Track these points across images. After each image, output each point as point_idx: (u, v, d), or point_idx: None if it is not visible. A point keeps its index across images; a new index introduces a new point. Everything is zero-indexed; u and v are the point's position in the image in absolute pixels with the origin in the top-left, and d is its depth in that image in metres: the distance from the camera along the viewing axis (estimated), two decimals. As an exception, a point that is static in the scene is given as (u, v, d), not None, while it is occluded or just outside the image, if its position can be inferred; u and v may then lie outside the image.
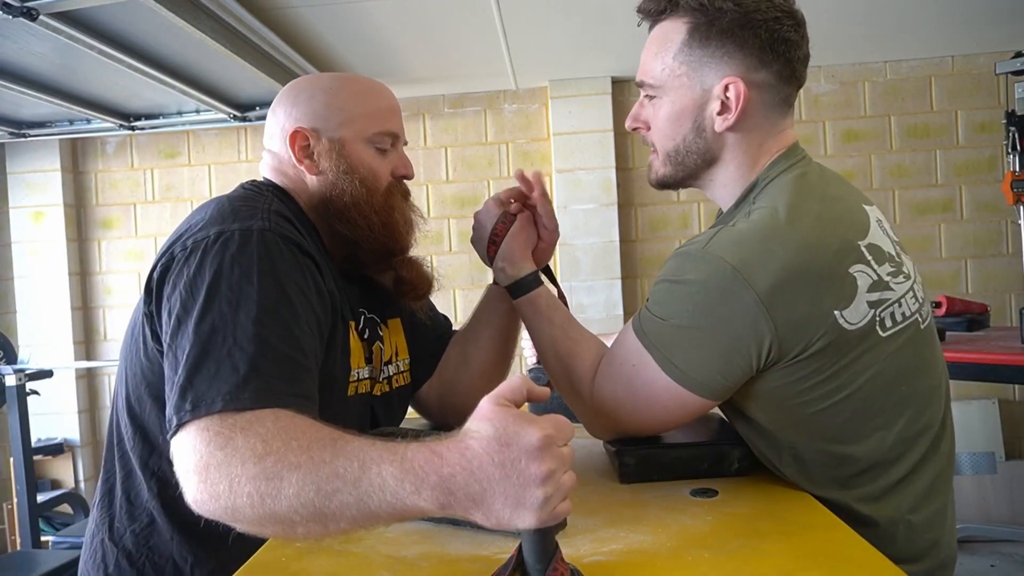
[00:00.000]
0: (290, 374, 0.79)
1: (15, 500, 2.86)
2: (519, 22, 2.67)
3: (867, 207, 0.99)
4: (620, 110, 3.49)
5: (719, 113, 0.96)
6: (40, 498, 2.93)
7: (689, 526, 0.82)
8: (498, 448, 0.62)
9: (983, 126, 3.40)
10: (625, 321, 3.38)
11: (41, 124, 3.23)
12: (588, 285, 3.45)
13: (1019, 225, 2.91)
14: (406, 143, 1.11)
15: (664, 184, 1.06)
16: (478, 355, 1.22)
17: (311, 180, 1.02)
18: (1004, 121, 2.84)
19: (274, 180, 1.05)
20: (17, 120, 3.18)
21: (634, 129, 1.06)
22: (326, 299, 0.93)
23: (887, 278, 0.92)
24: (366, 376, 1.05)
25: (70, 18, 2.02)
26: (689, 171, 1.02)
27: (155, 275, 0.87)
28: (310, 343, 0.85)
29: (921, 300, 0.99)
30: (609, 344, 1.06)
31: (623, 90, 3.51)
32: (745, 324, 0.87)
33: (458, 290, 3.58)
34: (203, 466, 0.70)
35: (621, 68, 3.35)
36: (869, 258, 0.91)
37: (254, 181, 1.06)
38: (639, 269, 3.55)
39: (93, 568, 0.96)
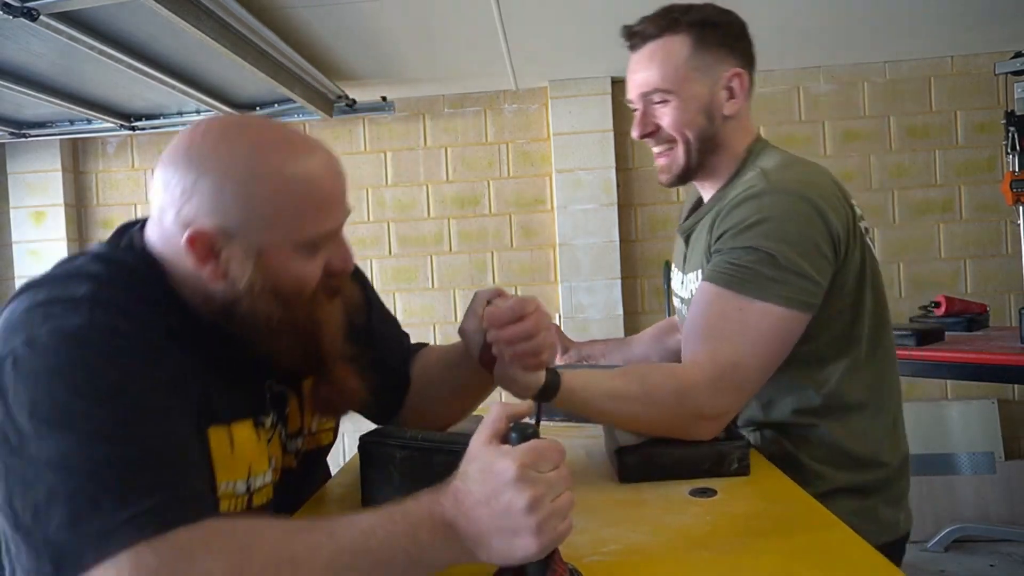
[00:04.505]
0: (169, 479, 0.66)
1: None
2: (519, 22, 2.67)
3: None
4: (620, 110, 3.49)
5: (727, 99, 1.16)
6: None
7: (688, 526, 0.83)
8: (481, 486, 0.63)
9: (982, 126, 3.40)
10: (626, 321, 3.40)
11: (41, 124, 3.23)
12: (588, 285, 3.45)
13: (1018, 225, 2.91)
14: (352, 209, 0.86)
15: (683, 176, 1.20)
16: (447, 409, 1.14)
17: (213, 283, 0.79)
18: (1003, 121, 2.84)
19: (158, 251, 0.81)
20: (18, 120, 3.18)
21: (645, 135, 1.20)
22: (188, 391, 0.77)
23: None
24: (263, 483, 0.87)
25: (70, 18, 2.01)
26: (704, 157, 1.18)
27: None
28: (182, 436, 0.71)
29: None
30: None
31: (623, 90, 3.49)
32: (823, 233, 1.05)
33: (458, 290, 3.58)
34: None
35: (621, 68, 3.31)
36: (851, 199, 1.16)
37: (96, 250, 0.83)
38: (639, 269, 3.55)
39: None
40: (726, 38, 1.17)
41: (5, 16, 1.79)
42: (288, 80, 2.79)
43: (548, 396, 0.98)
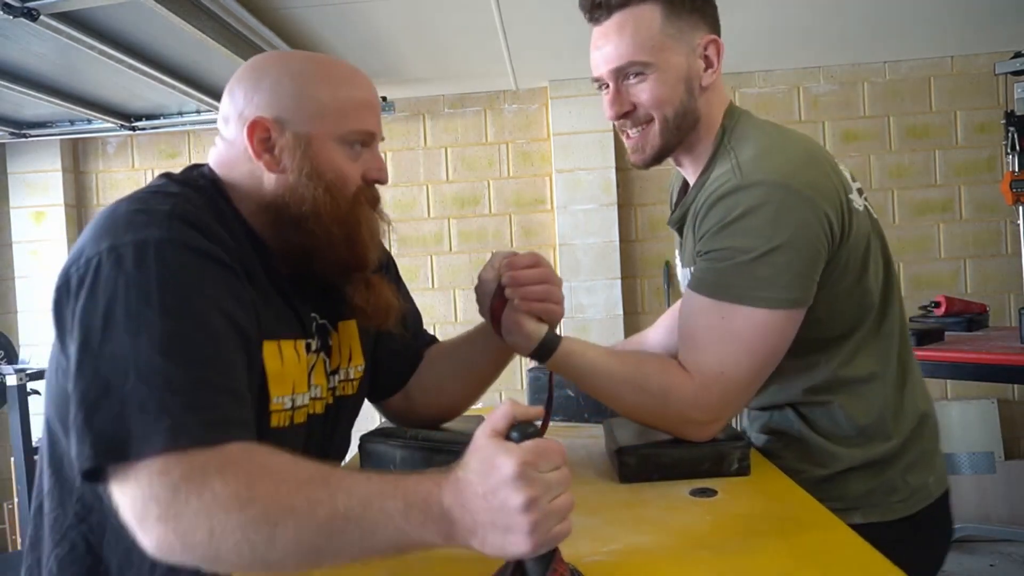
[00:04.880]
0: (207, 402, 0.71)
1: (16, 500, 2.86)
2: (519, 22, 2.67)
3: None
4: (620, 110, 3.49)
5: (704, 70, 1.08)
6: (41, 498, 2.92)
7: (689, 526, 0.83)
8: (480, 480, 0.63)
9: (982, 126, 3.40)
10: (626, 321, 3.39)
11: (42, 124, 3.24)
12: (588, 285, 3.45)
13: (1018, 225, 2.92)
14: (383, 139, 0.99)
15: (659, 155, 1.11)
16: (453, 388, 1.16)
17: (268, 178, 0.89)
18: (1003, 121, 2.84)
19: (220, 173, 0.92)
20: (18, 120, 3.18)
21: (622, 116, 1.10)
22: (250, 310, 0.82)
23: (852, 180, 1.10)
24: (302, 403, 0.92)
25: (71, 18, 2.02)
26: (682, 135, 1.10)
27: (53, 303, 0.78)
28: (230, 363, 0.76)
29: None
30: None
31: (623, 90, 3.50)
32: (810, 221, 0.98)
33: (458, 290, 3.58)
34: (169, 515, 0.65)
35: (621, 68, 3.34)
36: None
37: (171, 175, 0.91)
38: (639, 269, 3.55)
39: None
40: (695, 2, 1.08)
41: (5, 16, 1.80)
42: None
43: (545, 354, 1.01)
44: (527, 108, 3.58)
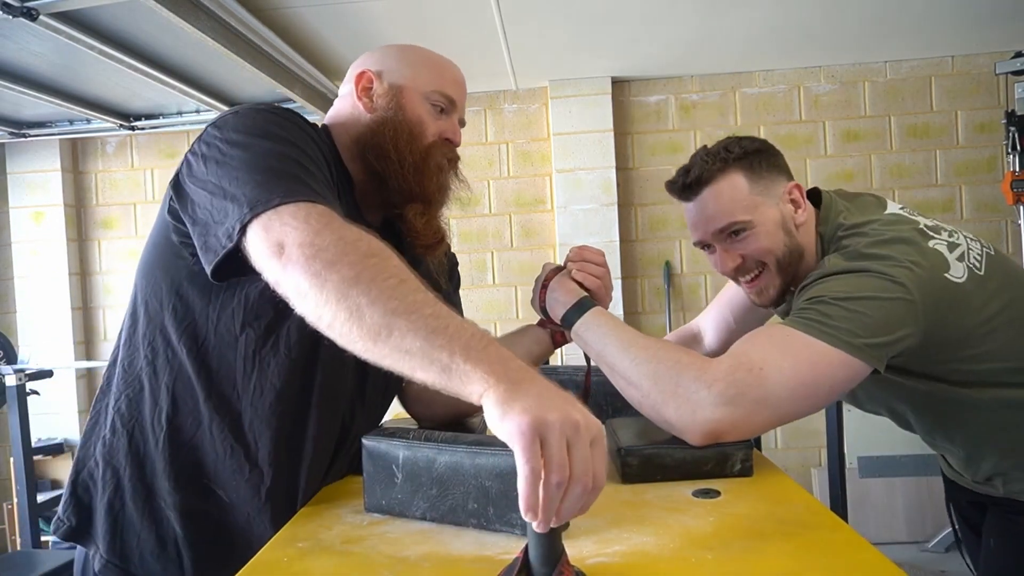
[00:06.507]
0: (319, 188, 0.88)
1: (15, 500, 2.86)
2: (519, 22, 2.67)
3: (890, 203, 1.22)
4: (620, 110, 3.49)
5: (795, 211, 1.22)
6: (40, 498, 2.92)
7: (692, 527, 0.82)
8: (559, 391, 0.70)
9: (983, 126, 3.40)
10: (625, 321, 3.38)
11: (41, 124, 3.24)
12: (588, 285, 3.45)
13: (1019, 225, 2.92)
14: (464, 124, 1.16)
15: (784, 291, 1.23)
16: None
17: (363, 117, 1.09)
18: (1004, 121, 2.84)
19: (328, 121, 1.13)
20: (17, 120, 3.18)
21: (736, 268, 1.22)
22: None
23: (949, 238, 1.13)
24: None
25: (70, 18, 2.02)
26: (795, 268, 1.22)
27: (193, 146, 0.96)
28: (331, 187, 0.95)
29: (975, 238, 1.19)
30: None
31: (623, 90, 3.50)
32: (901, 302, 1.04)
33: (458, 290, 3.58)
34: (308, 242, 0.78)
35: (621, 68, 3.35)
36: (931, 233, 1.12)
37: None
38: (639, 269, 3.55)
39: (92, 427, 1.05)
40: (770, 158, 1.22)
41: (5, 16, 1.79)
42: (288, 80, 2.79)
43: (578, 312, 1.12)
44: (527, 108, 3.57)
